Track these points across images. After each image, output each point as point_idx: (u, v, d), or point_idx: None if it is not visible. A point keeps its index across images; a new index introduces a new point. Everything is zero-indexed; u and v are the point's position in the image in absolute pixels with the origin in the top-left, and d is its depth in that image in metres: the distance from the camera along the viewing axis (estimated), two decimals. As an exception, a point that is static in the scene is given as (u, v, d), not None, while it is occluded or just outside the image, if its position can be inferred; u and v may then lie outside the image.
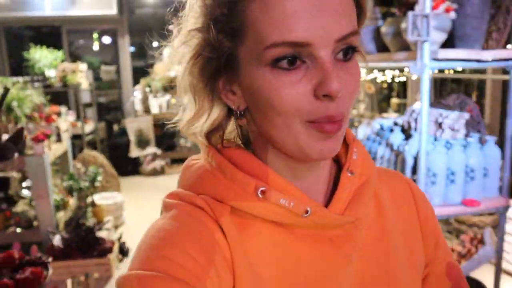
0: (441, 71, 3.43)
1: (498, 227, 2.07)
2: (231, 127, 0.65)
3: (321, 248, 0.59)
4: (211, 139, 0.62)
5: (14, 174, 4.05)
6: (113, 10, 7.19)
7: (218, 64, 0.57)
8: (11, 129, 3.57)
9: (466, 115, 1.96)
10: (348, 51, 0.54)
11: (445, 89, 5.14)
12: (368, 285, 0.61)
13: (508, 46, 1.90)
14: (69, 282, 2.74)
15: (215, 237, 0.55)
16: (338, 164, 0.66)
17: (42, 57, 5.64)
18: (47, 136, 3.60)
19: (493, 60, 1.84)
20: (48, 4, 6.91)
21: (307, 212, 0.56)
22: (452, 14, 1.93)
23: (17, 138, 1.61)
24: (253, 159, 0.60)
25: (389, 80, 5.45)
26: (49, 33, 7.85)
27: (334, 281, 0.58)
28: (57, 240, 3.06)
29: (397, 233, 0.66)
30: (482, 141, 1.94)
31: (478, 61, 1.86)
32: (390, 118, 3.01)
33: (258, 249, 0.57)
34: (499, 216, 2.04)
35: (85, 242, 3.22)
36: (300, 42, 0.50)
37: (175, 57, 0.60)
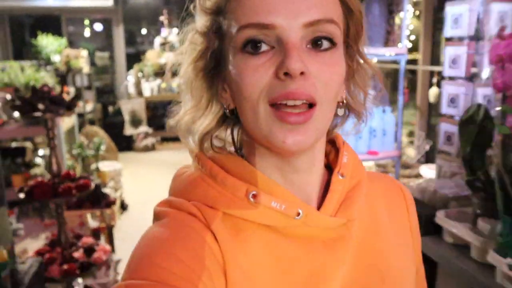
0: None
1: (395, 171, 2.96)
2: (223, 134, 0.65)
3: (314, 250, 0.58)
4: (203, 146, 0.62)
5: (28, 144, 4.83)
6: (109, 1, 7.94)
7: (211, 61, 0.59)
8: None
9: (373, 92, 2.83)
10: (321, 41, 0.53)
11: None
12: (362, 287, 0.61)
13: (399, 45, 2.75)
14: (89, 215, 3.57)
15: (207, 243, 0.54)
16: (331, 169, 0.65)
17: (49, 43, 6.40)
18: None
19: (390, 55, 2.70)
20: (50, -5, 7.64)
21: (298, 214, 0.56)
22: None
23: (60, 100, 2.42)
24: (243, 164, 0.59)
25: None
26: (49, 21, 8.54)
27: (327, 283, 0.58)
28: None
29: (390, 235, 0.66)
30: (383, 110, 2.81)
31: (381, 55, 2.72)
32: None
33: (251, 253, 0.56)
34: (395, 163, 2.93)
35: (94, 196, 4.04)
36: (264, 23, 0.51)
37: (181, 57, 0.61)
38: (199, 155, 0.61)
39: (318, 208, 0.60)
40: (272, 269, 0.56)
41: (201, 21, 0.58)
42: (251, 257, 0.56)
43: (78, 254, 2.52)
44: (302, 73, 0.50)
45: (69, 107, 2.26)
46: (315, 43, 0.53)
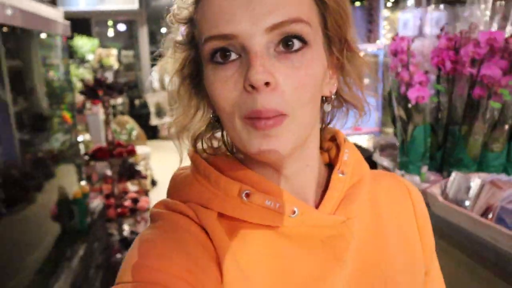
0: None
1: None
2: (220, 135, 0.65)
3: (312, 249, 0.57)
4: (197, 146, 0.62)
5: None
6: (134, 5, 8.80)
7: (191, 69, 0.60)
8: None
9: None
10: (291, 41, 0.51)
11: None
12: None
13: (378, 41, 3.50)
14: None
15: (200, 243, 0.54)
16: (333, 167, 0.64)
17: (84, 44, 7.26)
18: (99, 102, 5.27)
19: (372, 50, 3.45)
20: (82, 1, 8.54)
21: (294, 212, 0.55)
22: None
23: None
24: (237, 164, 0.59)
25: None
26: (81, 23, 9.42)
27: (326, 283, 0.56)
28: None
29: (394, 236, 0.65)
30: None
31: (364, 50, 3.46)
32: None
33: (247, 252, 0.55)
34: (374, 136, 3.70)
35: (130, 171, 4.86)
36: (225, 34, 0.50)
37: (166, 66, 0.62)
38: (194, 157, 0.61)
39: (317, 206, 0.59)
40: (270, 268, 0.55)
41: (178, 30, 0.59)
42: (247, 256, 0.55)
43: (127, 203, 3.34)
44: (267, 83, 0.49)
45: (120, 91, 3.07)
46: (286, 44, 0.51)
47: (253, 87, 0.49)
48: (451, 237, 1.60)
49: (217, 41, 0.51)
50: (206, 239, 0.55)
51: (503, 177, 1.75)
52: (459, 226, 1.57)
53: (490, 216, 1.51)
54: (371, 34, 3.68)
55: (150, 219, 0.59)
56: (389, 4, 3.94)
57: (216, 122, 0.62)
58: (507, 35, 1.67)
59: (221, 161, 0.60)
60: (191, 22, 0.57)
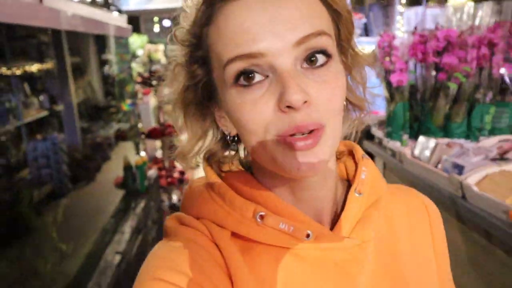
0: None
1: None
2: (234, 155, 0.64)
3: (326, 272, 0.56)
4: (212, 163, 0.62)
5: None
6: (179, 3, 9.53)
7: (200, 92, 0.58)
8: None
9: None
10: (316, 57, 0.50)
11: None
12: None
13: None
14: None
15: (213, 259, 0.54)
16: (350, 184, 0.63)
17: (135, 40, 8.05)
18: (149, 92, 6.01)
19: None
20: (132, 1, 9.38)
21: (308, 236, 0.55)
22: (363, 20, 4.11)
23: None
24: (252, 182, 0.59)
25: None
26: (130, 21, 10.27)
27: None
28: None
29: (410, 255, 0.63)
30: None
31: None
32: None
33: (259, 271, 0.55)
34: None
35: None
36: (251, 53, 0.48)
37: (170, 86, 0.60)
38: (208, 172, 0.61)
39: (332, 226, 0.58)
40: None
41: (181, 53, 0.57)
42: (259, 275, 0.54)
43: (175, 174, 4.04)
44: (305, 102, 0.48)
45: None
46: (309, 60, 0.50)
47: (289, 107, 0.48)
48: (415, 184, 2.16)
49: (242, 61, 0.49)
50: (219, 256, 0.55)
51: (462, 141, 2.29)
52: (420, 176, 2.13)
53: (439, 166, 2.06)
54: (388, 28, 4.21)
55: (164, 233, 0.60)
56: (403, 1, 4.46)
57: (232, 144, 0.62)
58: (459, 32, 2.20)
59: (235, 178, 0.60)
60: (197, 44, 0.55)
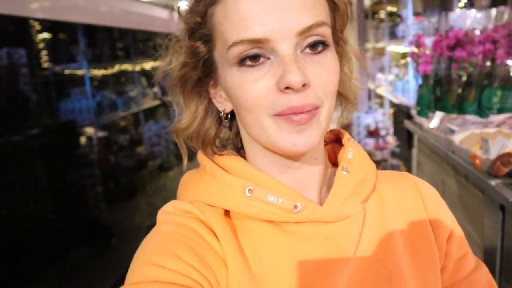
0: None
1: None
2: (226, 134, 0.67)
3: (317, 245, 0.58)
4: (206, 148, 0.64)
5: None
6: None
7: (200, 69, 0.59)
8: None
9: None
10: (316, 45, 0.54)
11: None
12: (368, 284, 0.59)
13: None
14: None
15: (206, 241, 0.55)
16: (337, 165, 0.65)
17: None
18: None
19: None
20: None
21: (297, 207, 0.56)
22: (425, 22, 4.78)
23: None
24: (241, 162, 0.61)
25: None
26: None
27: (331, 279, 0.57)
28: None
29: (401, 232, 0.65)
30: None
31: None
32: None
33: (252, 248, 0.57)
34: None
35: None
36: (257, 38, 0.51)
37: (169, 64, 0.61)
38: (201, 157, 0.64)
39: (321, 203, 0.61)
40: (274, 263, 0.56)
41: (184, 30, 0.59)
42: (253, 251, 0.56)
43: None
44: (304, 84, 0.51)
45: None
46: (310, 47, 0.53)
47: (288, 87, 0.50)
48: (432, 147, 2.89)
49: (247, 45, 0.51)
50: (212, 236, 0.56)
51: (472, 117, 2.97)
52: (431, 140, 2.86)
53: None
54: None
55: (157, 221, 0.60)
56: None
57: (225, 121, 0.64)
58: (465, 32, 2.89)
59: (226, 159, 0.62)
60: (202, 23, 0.56)
